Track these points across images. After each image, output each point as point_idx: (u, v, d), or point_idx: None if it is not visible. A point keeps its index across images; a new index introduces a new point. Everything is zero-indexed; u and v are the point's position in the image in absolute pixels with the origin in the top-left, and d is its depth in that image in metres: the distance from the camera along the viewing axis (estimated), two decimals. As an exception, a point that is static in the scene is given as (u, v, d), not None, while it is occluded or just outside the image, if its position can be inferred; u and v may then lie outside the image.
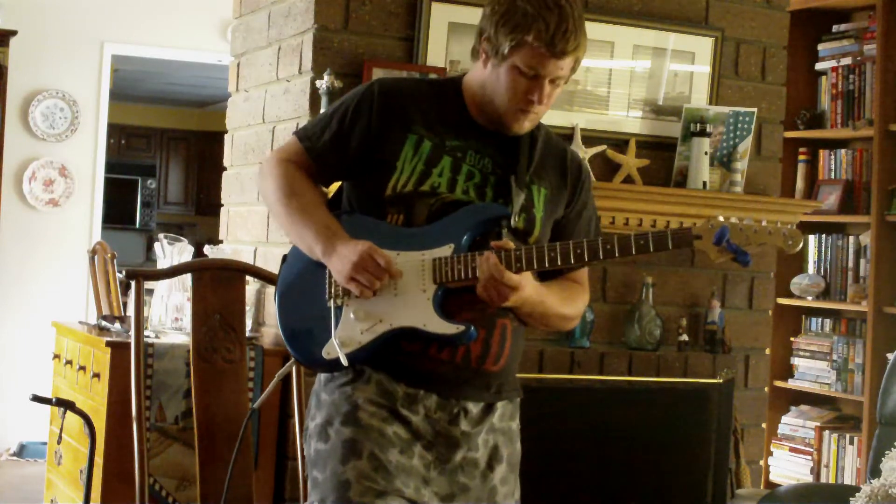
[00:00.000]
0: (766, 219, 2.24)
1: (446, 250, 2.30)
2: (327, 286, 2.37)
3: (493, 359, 2.38)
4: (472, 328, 2.29)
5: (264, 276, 3.42)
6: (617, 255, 2.26)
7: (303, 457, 3.23)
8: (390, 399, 2.34)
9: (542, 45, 2.26)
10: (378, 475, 2.28)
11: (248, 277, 3.43)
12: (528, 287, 2.27)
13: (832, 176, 5.47)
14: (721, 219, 2.24)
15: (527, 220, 2.38)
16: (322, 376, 2.44)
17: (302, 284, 2.43)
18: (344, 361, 2.32)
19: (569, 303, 2.44)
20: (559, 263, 2.27)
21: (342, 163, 2.42)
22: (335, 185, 2.58)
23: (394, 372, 2.35)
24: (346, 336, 2.33)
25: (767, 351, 4.49)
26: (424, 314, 2.29)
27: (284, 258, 2.50)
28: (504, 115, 2.35)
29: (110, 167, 8.07)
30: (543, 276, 2.42)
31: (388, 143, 2.36)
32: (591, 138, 4.09)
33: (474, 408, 2.39)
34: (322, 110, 3.69)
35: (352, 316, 2.34)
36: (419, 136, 2.36)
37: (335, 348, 2.33)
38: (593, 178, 3.45)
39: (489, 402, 2.41)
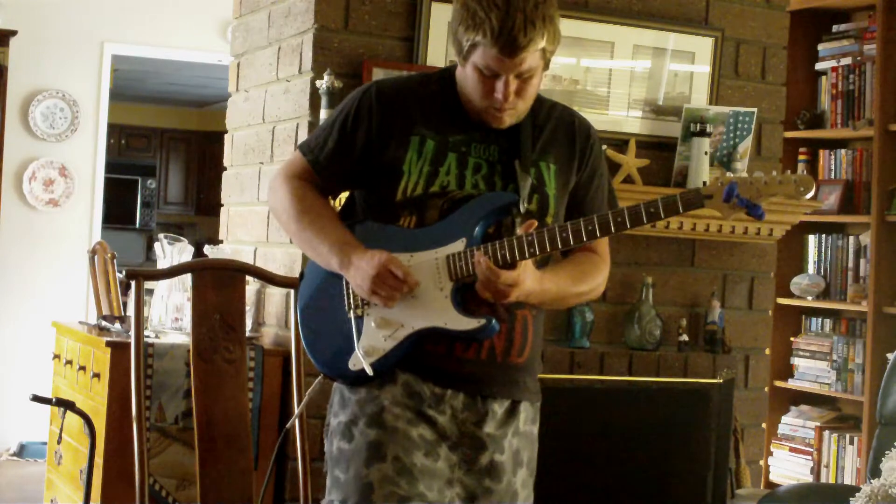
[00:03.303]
0: (774, 170, 2.22)
1: (459, 245, 2.29)
2: (346, 297, 2.37)
3: (518, 350, 2.38)
4: (494, 321, 2.28)
5: (264, 276, 3.42)
6: (629, 225, 2.22)
7: (303, 457, 3.24)
8: (417, 400, 2.33)
9: (491, 46, 2.22)
10: (401, 479, 2.27)
11: (248, 277, 3.43)
12: (527, 281, 2.25)
13: (832, 176, 5.47)
14: (730, 174, 2.22)
15: (540, 201, 2.36)
16: None
17: (321, 298, 2.42)
18: (369, 371, 2.32)
19: (584, 278, 2.41)
20: (572, 243, 2.25)
21: (347, 171, 2.41)
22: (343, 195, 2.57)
23: (421, 372, 2.34)
24: (369, 345, 2.33)
25: (767, 351, 4.49)
26: (444, 313, 2.29)
27: (301, 275, 2.50)
28: (481, 113, 2.34)
29: (110, 167, 8.08)
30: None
31: (391, 146, 2.35)
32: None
33: (499, 408, 2.38)
34: (322, 110, 3.69)
35: (373, 324, 2.33)
36: (422, 137, 2.35)
37: (360, 359, 2.32)
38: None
39: (516, 399, 2.40)
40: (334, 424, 2.41)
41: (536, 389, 2.47)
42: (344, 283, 2.36)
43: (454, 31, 2.29)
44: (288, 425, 2.73)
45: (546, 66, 2.32)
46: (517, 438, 2.41)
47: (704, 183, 4.10)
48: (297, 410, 2.68)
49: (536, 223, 2.27)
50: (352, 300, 2.36)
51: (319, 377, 2.48)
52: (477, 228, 2.30)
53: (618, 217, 2.22)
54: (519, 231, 2.27)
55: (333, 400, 2.44)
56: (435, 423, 2.33)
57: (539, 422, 2.50)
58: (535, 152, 2.38)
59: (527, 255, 2.24)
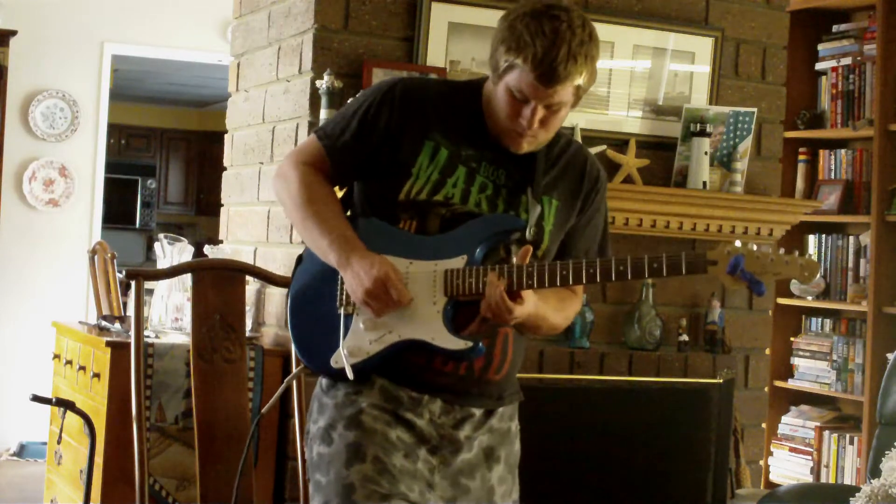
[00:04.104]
0: (782, 248, 2.21)
1: (459, 262, 2.29)
2: (338, 293, 2.36)
3: (496, 368, 2.39)
4: (480, 344, 2.28)
5: (264, 276, 3.42)
6: (629, 276, 2.22)
7: (303, 457, 3.24)
8: (394, 403, 2.34)
9: (530, 72, 2.21)
10: (382, 479, 2.27)
11: (248, 277, 3.43)
12: (529, 306, 2.27)
13: (832, 176, 5.47)
14: (738, 244, 2.20)
15: (536, 233, 2.37)
16: (324, 380, 2.44)
17: (314, 288, 2.42)
18: (350, 375, 2.32)
19: (562, 313, 2.43)
20: (571, 282, 2.25)
21: (360, 163, 2.40)
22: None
23: (397, 378, 2.34)
24: (354, 346, 2.33)
25: (767, 351, 4.49)
26: (433, 328, 2.29)
27: (299, 259, 2.49)
28: (501, 134, 2.34)
29: (110, 167, 8.08)
30: None
31: (405, 146, 2.35)
32: (591, 138, 4.09)
33: (477, 412, 2.39)
34: (322, 110, 3.69)
35: (361, 325, 2.33)
36: (436, 144, 2.35)
37: (342, 359, 2.32)
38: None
39: (491, 409, 2.42)
40: (314, 431, 2.41)
41: (514, 391, 2.48)
42: (339, 277, 2.36)
43: (494, 48, 2.28)
44: (264, 410, 2.72)
45: (575, 104, 2.32)
46: (488, 435, 2.41)
47: (705, 183, 4.13)
48: (275, 395, 2.67)
49: (531, 249, 2.28)
50: (343, 297, 2.36)
51: (301, 366, 2.48)
52: (479, 249, 2.30)
53: (620, 266, 2.22)
54: (516, 259, 2.27)
55: (312, 408, 2.44)
56: (413, 427, 2.33)
57: (518, 419, 2.50)
58: (542, 184, 2.39)
59: (524, 285, 2.24)
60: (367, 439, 2.30)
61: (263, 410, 2.71)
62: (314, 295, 2.42)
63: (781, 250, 2.20)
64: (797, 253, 2.21)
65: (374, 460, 2.29)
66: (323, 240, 2.35)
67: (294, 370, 3.27)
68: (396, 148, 2.35)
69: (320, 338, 2.38)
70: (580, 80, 2.25)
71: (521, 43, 2.21)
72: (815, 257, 5.48)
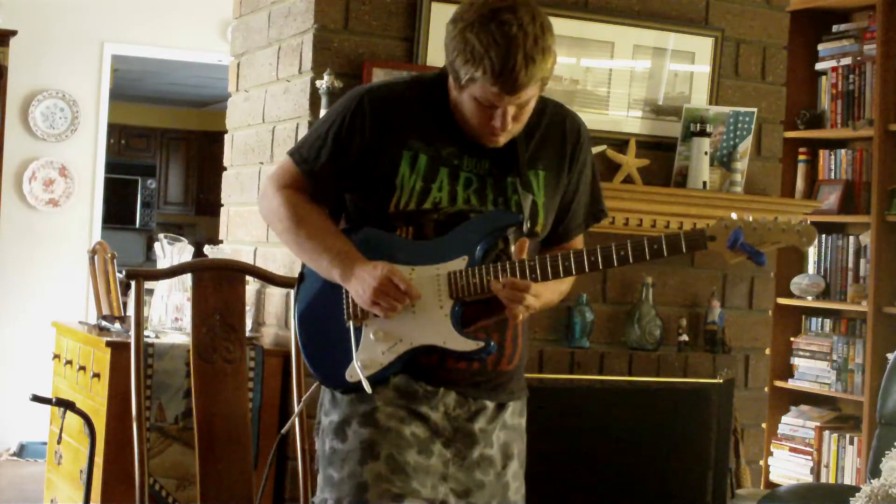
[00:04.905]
0: (778, 216, 2.23)
1: (460, 263, 2.30)
2: (345, 306, 2.37)
3: (508, 359, 2.41)
4: (493, 343, 2.30)
5: (264, 276, 3.42)
6: (631, 261, 2.24)
7: (303, 457, 3.24)
8: (409, 398, 2.35)
9: (491, 83, 2.19)
10: (396, 477, 2.29)
11: (248, 277, 3.43)
12: (543, 291, 2.30)
13: (832, 176, 5.47)
14: (734, 216, 2.22)
15: (531, 210, 2.37)
16: None
17: (320, 305, 2.42)
18: (367, 389, 2.32)
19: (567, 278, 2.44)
20: (574, 272, 2.27)
21: (341, 182, 2.41)
22: None
23: (413, 373, 2.35)
24: (367, 358, 2.34)
25: (767, 351, 4.49)
26: (443, 331, 2.30)
27: (301, 276, 2.49)
28: (475, 134, 2.33)
29: (110, 167, 8.08)
30: (545, 242, 2.45)
31: (384, 159, 2.34)
32: (591, 138, 4.07)
33: (490, 404, 2.41)
34: (322, 110, 3.69)
35: (371, 337, 2.34)
36: (414, 152, 2.34)
37: (357, 372, 2.33)
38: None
39: (502, 402, 2.43)
40: (326, 423, 2.41)
41: (522, 387, 2.50)
42: (343, 291, 2.36)
43: (450, 59, 2.25)
44: (284, 430, 2.73)
45: (542, 89, 2.31)
46: (504, 432, 2.43)
47: (705, 183, 4.13)
48: (294, 414, 2.68)
49: (528, 242, 2.29)
50: (351, 310, 2.36)
51: (316, 383, 2.49)
52: (478, 248, 2.31)
53: (620, 251, 2.24)
54: (513, 248, 2.29)
55: (324, 399, 2.45)
56: (427, 420, 2.35)
57: (526, 415, 2.52)
58: (527, 164, 2.39)
59: (528, 280, 2.26)
60: (381, 437, 2.32)
61: (283, 430, 2.73)
62: (321, 311, 2.42)
63: (777, 218, 2.21)
64: (792, 219, 2.22)
65: (387, 459, 2.30)
66: (322, 259, 2.35)
67: (294, 370, 3.28)
68: (375, 161, 2.35)
69: (332, 353, 2.38)
70: (544, 74, 2.25)
71: (475, 55, 2.19)
72: (815, 257, 5.55)
